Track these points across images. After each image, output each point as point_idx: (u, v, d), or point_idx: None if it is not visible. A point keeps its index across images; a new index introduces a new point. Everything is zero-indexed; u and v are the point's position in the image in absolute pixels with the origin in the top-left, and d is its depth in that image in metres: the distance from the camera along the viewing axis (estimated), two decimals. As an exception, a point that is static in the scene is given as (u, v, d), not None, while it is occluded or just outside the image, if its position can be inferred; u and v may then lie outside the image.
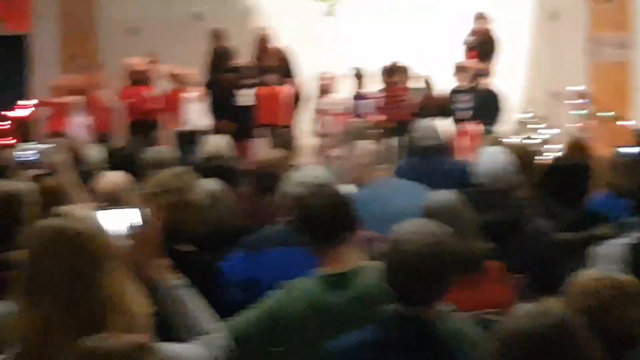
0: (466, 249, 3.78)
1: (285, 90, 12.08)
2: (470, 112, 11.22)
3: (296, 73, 12.47)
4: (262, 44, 12.62)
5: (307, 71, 12.82)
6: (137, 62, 12.59)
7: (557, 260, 4.47)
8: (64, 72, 14.20)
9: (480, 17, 11.89)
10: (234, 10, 14.56)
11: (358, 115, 11.70)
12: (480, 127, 11.00)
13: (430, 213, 3.87)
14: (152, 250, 3.05)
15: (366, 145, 5.97)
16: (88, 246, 2.56)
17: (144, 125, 12.18)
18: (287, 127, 11.87)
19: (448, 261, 2.92)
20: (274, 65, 12.26)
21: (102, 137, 10.89)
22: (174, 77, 12.62)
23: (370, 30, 14.07)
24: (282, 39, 12.97)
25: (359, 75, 12.00)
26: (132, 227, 3.10)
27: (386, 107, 11.77)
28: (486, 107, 11.16)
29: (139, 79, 12.46)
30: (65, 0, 14.88)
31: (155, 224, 3.14)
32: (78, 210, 2.71)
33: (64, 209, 2.69)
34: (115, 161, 6.52)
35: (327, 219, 3.47)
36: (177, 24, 14.72)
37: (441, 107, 11.37)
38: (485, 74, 11.45)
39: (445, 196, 4.11)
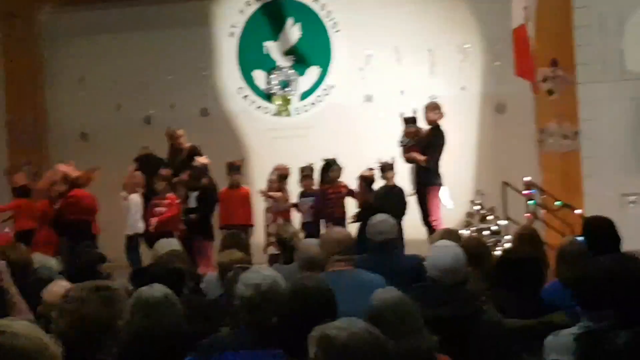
0: (415, 345, 3.77)
1: (245, 190, 12.13)
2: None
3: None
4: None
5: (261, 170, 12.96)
6: (69, 169, 12.61)
7: (510, 348, 4.45)
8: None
9: (409, 120, 12.03)
10: (183, 114, 14.67)
11: (302, 213, 12.01)
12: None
13: (375, 311, 3.85)
14: None
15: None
16: None
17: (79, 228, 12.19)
18: (250, 226, 12.00)
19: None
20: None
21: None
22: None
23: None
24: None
25: (306, 174, 12.11)
26: None
27: (325, 204, 11.95)
28: (390, 201, 11.28)
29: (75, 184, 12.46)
30: (11, 108, 14.90)
31: None
32: (19, 324, 2.53)
33: (3, 322, 2.50)
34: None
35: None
36: (127, 129, 14.78)
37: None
38: (389, 168, 11.73)
39: (390, 294, 4.09)
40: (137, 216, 12.52)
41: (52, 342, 2.46)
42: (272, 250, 11.82)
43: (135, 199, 12.60)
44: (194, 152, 12.52)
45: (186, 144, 12.72)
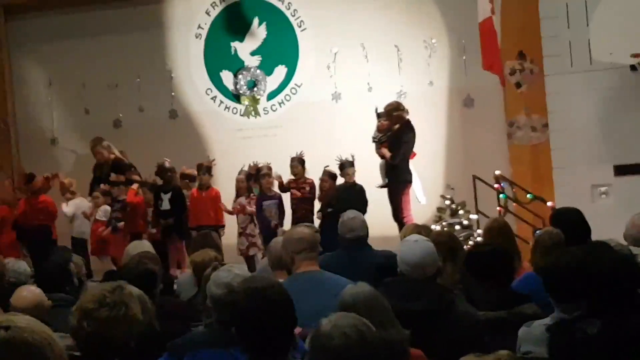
0: (386, 338, 3.76)
1: (214, 191, 12.12)
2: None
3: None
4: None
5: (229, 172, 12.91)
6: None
7: (483, 340, 4.46)
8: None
9: (380, 114, 12.05)
10: (151, 117, 14.62)
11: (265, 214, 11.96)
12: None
13: (347, 306, 3.84)
14: None
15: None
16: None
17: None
18: (221, 227, 12.02)
19: (372, 353, 2.88)
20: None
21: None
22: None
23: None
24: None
25: (265, 173, 12.12)
26: None
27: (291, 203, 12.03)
28: (350, 199, 11.25)
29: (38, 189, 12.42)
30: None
31: None
32: (22, 318, 2.46)
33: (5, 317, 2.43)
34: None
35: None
36: (96, 133, 14.67)
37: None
38: (348, 165, 11.77)
39: (360, 289, 4.08)
40: (76, 222, 12.58)
41: (55, 336, 2.43)
42: (254, 251, 11.84)
43: (64, 208, 12.74)
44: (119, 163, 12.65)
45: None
